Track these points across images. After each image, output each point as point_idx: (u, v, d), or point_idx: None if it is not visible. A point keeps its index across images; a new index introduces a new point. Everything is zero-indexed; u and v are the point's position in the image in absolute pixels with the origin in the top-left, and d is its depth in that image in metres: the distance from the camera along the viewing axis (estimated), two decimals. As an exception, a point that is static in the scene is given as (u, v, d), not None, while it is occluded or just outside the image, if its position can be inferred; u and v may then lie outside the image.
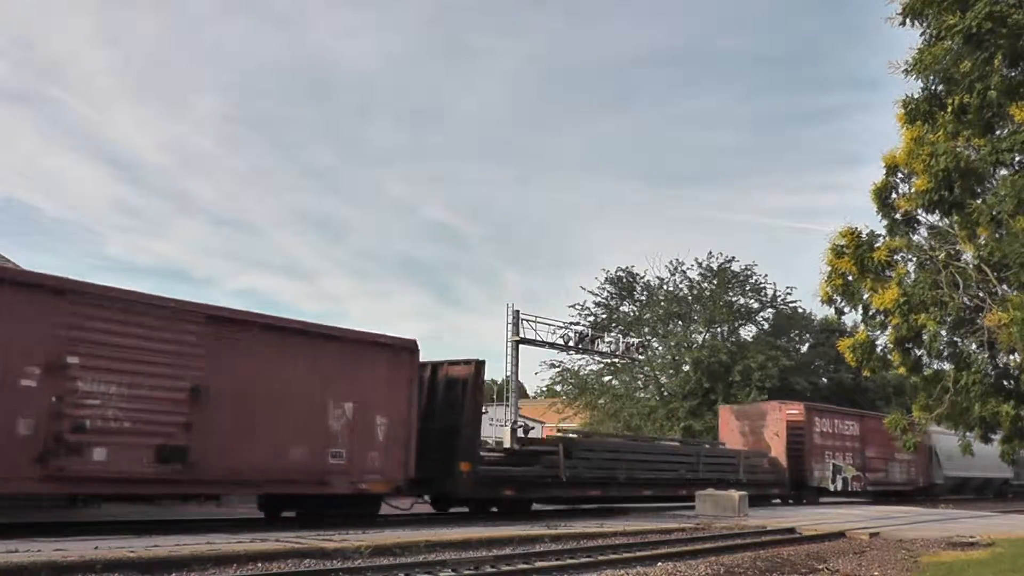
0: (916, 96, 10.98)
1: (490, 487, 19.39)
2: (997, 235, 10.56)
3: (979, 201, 10.75)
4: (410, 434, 17.17)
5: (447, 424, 18.54)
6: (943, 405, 11.95)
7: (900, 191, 12.03)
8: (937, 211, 11.30)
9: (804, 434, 31.47)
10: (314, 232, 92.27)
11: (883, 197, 12.07)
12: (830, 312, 13.88)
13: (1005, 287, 10.81)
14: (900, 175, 11.96)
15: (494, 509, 20.37)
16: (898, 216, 12.09)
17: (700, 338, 47.63)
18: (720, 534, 17.34)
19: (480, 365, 18.97)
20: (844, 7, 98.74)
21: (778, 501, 30.79)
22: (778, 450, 30.71)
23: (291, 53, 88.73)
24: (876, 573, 12.60)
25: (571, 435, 26.24)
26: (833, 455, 32.58)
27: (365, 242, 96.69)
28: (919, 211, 11.64)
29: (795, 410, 31.86)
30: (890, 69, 10.69)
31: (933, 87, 10.69)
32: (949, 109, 10.47)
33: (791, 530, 18.43)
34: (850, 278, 12.06)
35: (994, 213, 10.13)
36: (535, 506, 21.85)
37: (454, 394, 18.89)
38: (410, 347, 17.61)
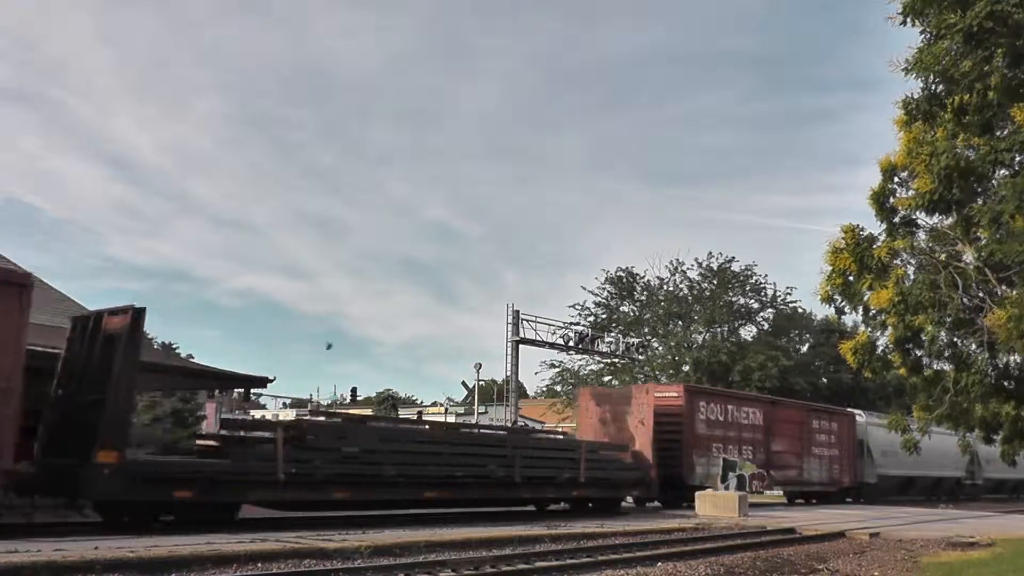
0: (916, 96, 10.98)
1: (153, 487, 13.65)
2: (997, 236, 10.56)
3: (980, 202, 10.74)
4: (11, 405, 12.13)
5: (93, 396, 13.67)
6: (943, 405, 11.95)
7: (898, 194, 12.03)
8: (937, 212, 11.30)
9: (683, 422, 25.68)
10: (314, 232, 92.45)
11: (881, 201, 12.07)
12: (830, 312, 13.86)
13: (1005, 287, 10.81)
14: (897, 179, 11.97)
15: (169, 517, 14.46)
16: (897, 219, 12.09)
17: (700, 338, 47.68)
18: (720, 534, 17.33)
19: (138, 313, 13.98)
20: (844, 7, 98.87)
21: (658, 505, 25.72)
22: (643, 442, 24.20)
23: (291, 53, 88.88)
24: (876, 573, 12.59)
25: (310, 417, 21.98)
26: (724, 448, 26.72)
27: (365, 242, 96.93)
28: (919, 213, 11.63)
29: (671, 393, 26.67)
30: (890, 68, 10.70)
31: (933, 86, 10.68)
32: (949, 109, 10.46)
33: (791, 530, 18.44)
34: (850, 277, 12.05)
35: (995, 213, 10.11)
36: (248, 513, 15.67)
37: (108, 354, 13.98)
38: (18, 281, 12.80)
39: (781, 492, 33.28)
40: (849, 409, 38.26)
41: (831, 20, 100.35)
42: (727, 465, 25.05)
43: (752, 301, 49.67)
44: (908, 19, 10.34)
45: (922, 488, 39.91)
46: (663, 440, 24.78)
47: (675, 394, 26.45)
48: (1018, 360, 11.09)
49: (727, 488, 24.00)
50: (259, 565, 10.72)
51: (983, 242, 10.90)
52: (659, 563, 12.61)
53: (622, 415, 25.19)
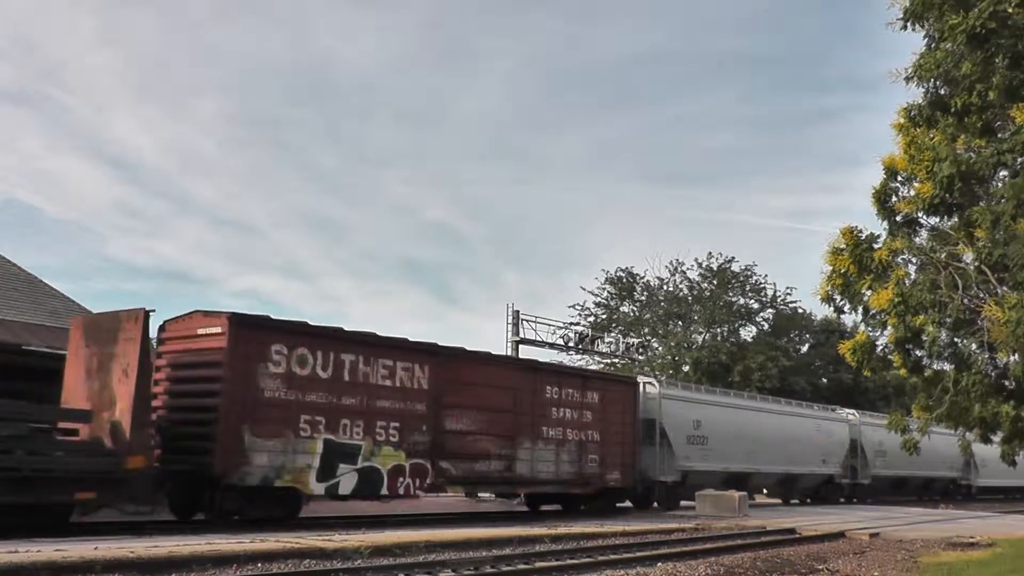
0: (919, 102, 10.96)
1: None
2: (997, 237, 10.55)
3: (981, 204, 10.73)
4: None
5: None
6: (943, 405, 11.94)
7: (900, 194, 12.03)
8: (938, 214, 11.30)
9: (227, 378, 14.97)
10: (315, 233, 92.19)
11: (883, 200, 12.06)
12: (830, 312, 13.86)
13: (1005, 288, 10.80)
14: (900, 178, 11.95)
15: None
16: (898, 219, 12.08)
17: (700, 338, 47.67)
18: (720, 534, 17.33)
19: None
20: (844, 8, 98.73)
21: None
22: (124, 406, 13.67)
23: (292, 53, 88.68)
24: (876, 573, 12.58)
25: None
26: (332, 424, 16.18)
27: (365, 243, 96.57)
28: (920, 214, 11.63)
29: (208, 328, 15.35)
30: (891, 78, 10.67)
31: (936, 91, 10.66)
32: (952, 111, 10.45)
33: (791, 530, 18.43)
34: (850, 278, 12.05)
35: (995, 215, 10.11)
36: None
37: None
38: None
39: (467, 494, 22.96)
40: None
41: (831, 21, 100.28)
42: (334, 452, 16.07)
43: (752, 301, 49.66)
44: (909, 23, 10.34)
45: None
46: (186, 407, 15.42)
47: (216, 330, 15.18)
48: (1017, 360, 11.07)
49: (338, 490, 16.18)
50: (259, 565, 10.72)
51: (983, 243, 10.88)
52: (659, 563, 12.60)
53: (108, 361, 14.09)
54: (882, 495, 37.03)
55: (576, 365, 39.91)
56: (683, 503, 25.53)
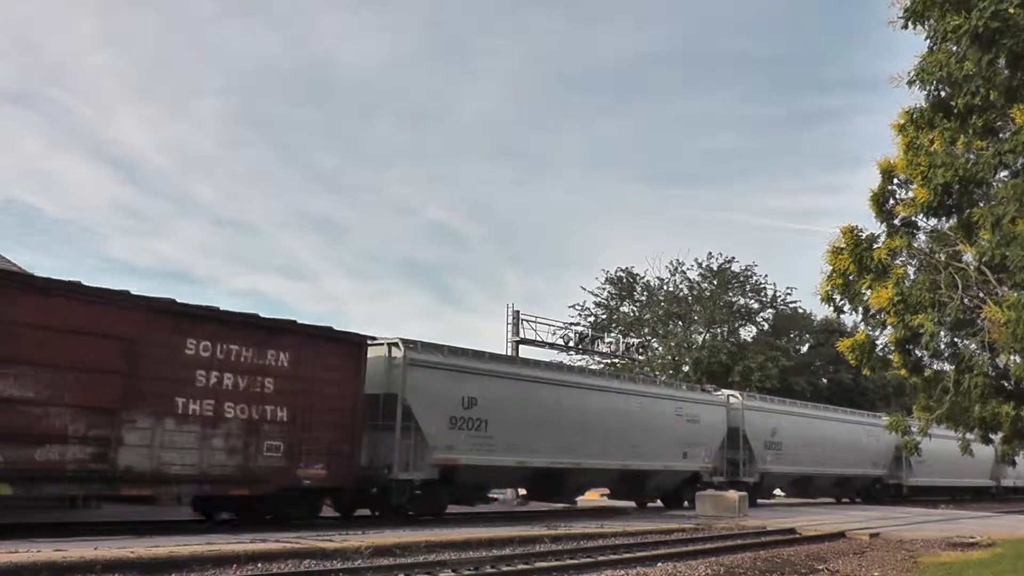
0: (920, 105, 10.93)
1: None
2: (998, 239, 10.53)
3: (981, 205, 10.71)
4: None
5: None
6: (943, 406, 11.93)
7: (898, 197, 12.01)
8: (936, 217, 11.29)
9: None
10: (315, 232, 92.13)
11: (881, 203, 12.05)
12: (830, 312, 13.83)
13: (1005, 288, 10.79)
14: (897, 181, 11.94)
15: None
16: (897, 221, 12.07)
17: (700, 338, 47.62)
18: (720, 534, 17.34)
19: None
20: (844, 8, 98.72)
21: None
22: None
23: (292, 53, 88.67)
24: (876, 573, 12.59)
25: None
26: None
27: (366, 243, 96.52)
28: (919, 217, 11.61)
29: None
30: (893, 83, 10.62)
31: (938, 92, 10.62)
32: (954, 113, 10.43)
33: (791, 530, 18.43)
34: (850, 277, 12.03)
35: (996, 217, 10.09)
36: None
37: None
38: None
39: None
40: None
41: (831, 21, 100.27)
42: None
43: (752, 301, 49.62)
44: (909, 23, 10.31)
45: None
46: None
47: None
48: (1018, 361, 11.06)
49: None
50: (259, 565, 10.73)
51: (983, 244, 10.87)
52: (659, 563, 12.61)
53: None
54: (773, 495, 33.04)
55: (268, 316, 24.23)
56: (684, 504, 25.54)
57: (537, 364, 22.80)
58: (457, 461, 18.76)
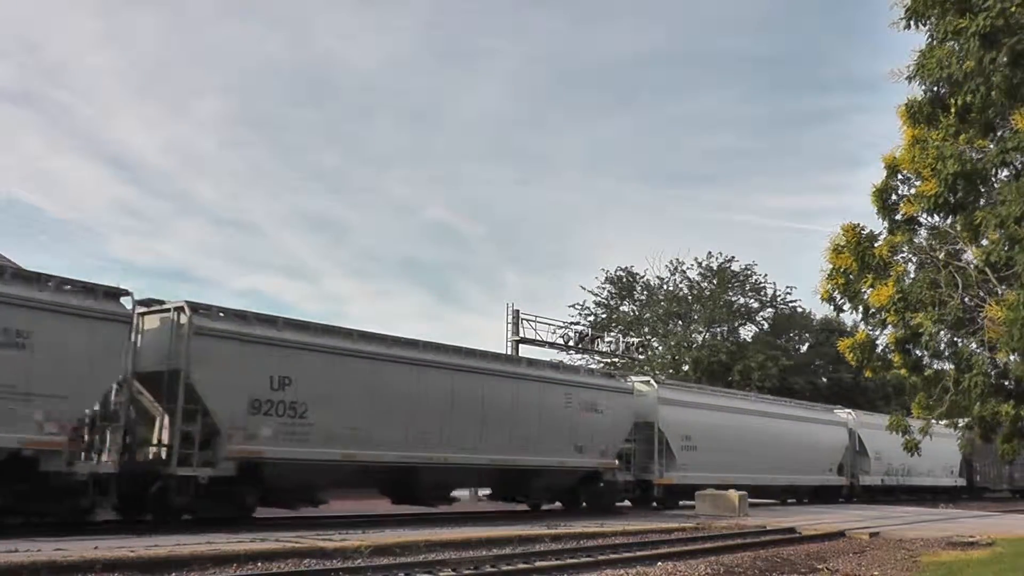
0: (919, 99, 10.92)
1: None
2: (1003, 238, 10.51)
3: (986, 206, 10.68)
4: None
5: None
6: (943, 405, 11.92)
7: (901, 193, 11.99)
8: (941, 214, 11.26)
9: None
10: (315, 232, 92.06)
11: (884, 198, 12.03)
12: (830, 312, 13.81)
13: (1005, 287, 10.79)
14: (900, 176, 11.91)
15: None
16: (899, 217, 12.06)
17: (700, 338, 47.66)
18: (720, 534, 17.33)
19: None
20: (844, 8, 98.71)
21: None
22: None
23: (292, 53, 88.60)
24: (876, 573, 12.59)
25: None
26: None
27: (366, 242, 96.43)
28: (921, 213, 11.59)
29: None
30: (892, 78, 10.62)
31: (936, 89, 10.62)
32: (953, 111, 10.42)
33: (791, 530, 18.42)
34: (851, 276, 12.03)
35: (1000, 218, 10.07)
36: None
37: None
38: None
39: None
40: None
41: (831, 21, 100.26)
42: None
43: (752, 301, 49.67)
44: (911, 23, 10.31)
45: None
46: None
47: None
48: (1017, 360, 11.06)
49: None
50: (259, 565, 10.72)
51: (986, 244, 10.86)
52: (659, 563, 12.61)
53: None
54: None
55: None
56: (682, 503, 25.26)
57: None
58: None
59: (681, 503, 24.97)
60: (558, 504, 23.25)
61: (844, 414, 35.54)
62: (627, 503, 24.55)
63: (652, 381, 25.95)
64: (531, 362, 23.02)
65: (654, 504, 24.63)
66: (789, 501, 32.02)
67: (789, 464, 30.11)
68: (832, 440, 33.60)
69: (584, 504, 22.80)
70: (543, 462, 21.03)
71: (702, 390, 30.57)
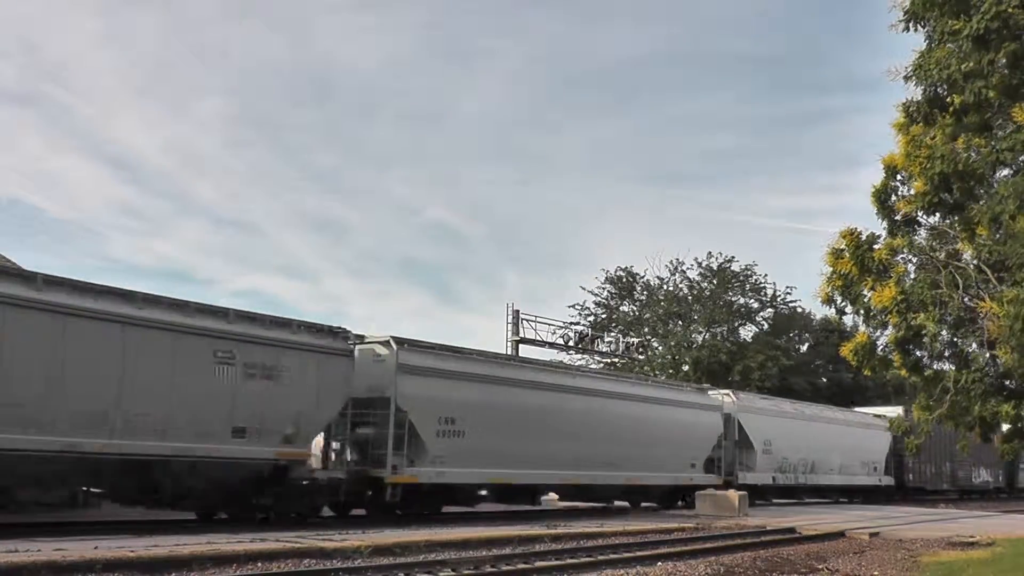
0: (917, 100, 10.93)
1: None
2: (997, 236, 10.53)
3: (980, 203, 10.71)
4: None
5: None
6: (943, 405, 11.93)
7: (900, 193, 12.00)
8: (937, 213, 11.27)
9: None
10: (315, 232, 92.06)
11: (883, 199, 12.03)
12: (830, 312, 13.81)
13: (1005, 287, 10.79)
14: (899, 177, 11.93)
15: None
16: (898, 218, 12.07)
17: (700, 338, 47.63)
18: (720, 534, 17.33)
19: None
20: (844, 8, 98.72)
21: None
22: None
23: (292, 54, 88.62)
24: (876, 573, 12.59)
25: None
26: None
27: (366, 242, 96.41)
28: (919, 213, 11.61)
29: None
30: (890, 77, 10.63)
31: (934, 89, 10.63)
32: (951, 110, 10.43)
33: (791, 530, 18.42)
34: (852, 280, 12.03)
35: (995, 214, 10.08)
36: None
37: None
38: None
39: None
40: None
41: (831, 21, 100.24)
42: None
43: (752, 301, 49.63)
44: (910, 24, 10.32)
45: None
46: None
47: None
48: (1016, 358, 11.06)
49: None
50: (259, 565, 10.72)
51: (982, 241, 10.87)
52: (659, 563, 12.61)
53: None
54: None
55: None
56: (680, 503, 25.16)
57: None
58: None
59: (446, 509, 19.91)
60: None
61: (720, 396, 28.26)
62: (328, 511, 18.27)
63: (392, 342, 18.13)
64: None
65: (398, 512, 18.13)
66: (643, 505, 25.29)
67: (624, 459, 22.98)
68: (699, 428, 26.15)
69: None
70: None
71: (468, 356, 20.53)
